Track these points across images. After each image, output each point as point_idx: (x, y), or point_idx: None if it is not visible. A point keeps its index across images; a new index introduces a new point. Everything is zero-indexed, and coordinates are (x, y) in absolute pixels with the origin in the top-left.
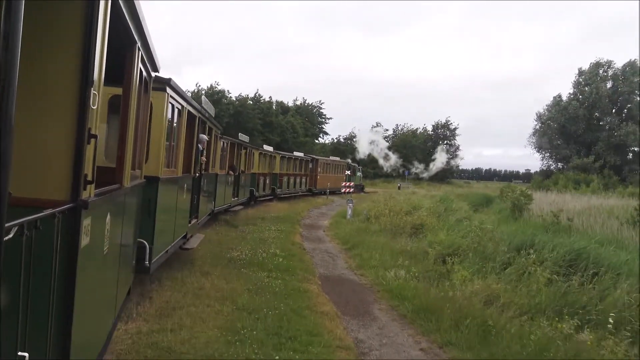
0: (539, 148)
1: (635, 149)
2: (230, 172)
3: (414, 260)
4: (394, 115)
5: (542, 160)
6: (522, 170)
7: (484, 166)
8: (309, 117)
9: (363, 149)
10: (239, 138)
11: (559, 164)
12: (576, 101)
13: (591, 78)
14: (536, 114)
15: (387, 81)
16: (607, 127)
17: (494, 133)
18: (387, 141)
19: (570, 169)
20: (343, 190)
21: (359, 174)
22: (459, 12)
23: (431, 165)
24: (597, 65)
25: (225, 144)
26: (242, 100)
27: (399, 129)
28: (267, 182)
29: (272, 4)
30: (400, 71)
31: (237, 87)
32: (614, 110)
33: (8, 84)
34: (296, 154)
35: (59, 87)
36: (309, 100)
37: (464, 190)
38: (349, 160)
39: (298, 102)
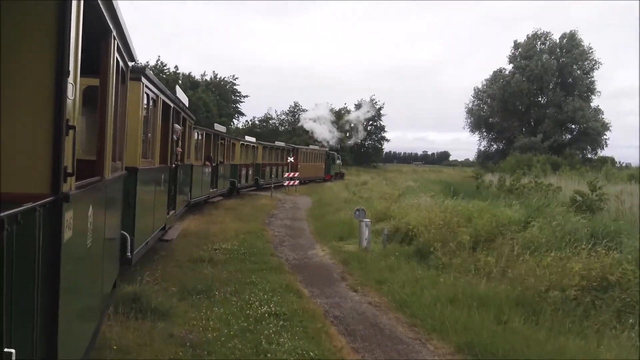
0: (475, 127)
1: (577, 126)
2: (207, 163)
3: None
4: (301, 100)
5: (480, 140)
6: (419, 152)
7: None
8: (222, 95)
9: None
10: (215, 128)
11: (498, 144)
12: (519, 74)
13: (529, 50)
14: (474, 90)
15: (290, 65)
16: (552, 103)
17: (390, 117)
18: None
19: (516, 149)
20: (286, 183)
21: (338, 161)
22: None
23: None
24: (534, 36)
25: (200, 135)
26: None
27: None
28: (250, 172)
29: None
30: (297, 56)
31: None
32: (550, 85)
33: None
34: (278, 143)
35: (34, 79)
36: (221, 75)
37: (413, 176)
38: (327, 149)
39: (207, 77)
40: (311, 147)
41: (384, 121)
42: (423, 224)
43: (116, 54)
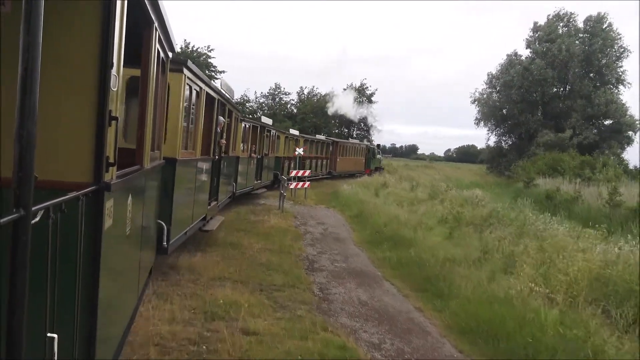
0: (485, 120)
1: (603, 121)
2: (253, 155)
3: None
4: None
5: (488, 134)
6: (387, 145)
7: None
8: None
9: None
10: (262, 121)
11: (512, 138)
12: (539, 60)
13: (551, 33)
14: (487, 75)
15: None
16: (578, 94)
17: None
18: (292, 107)
19: (540, 145)
20: (292, 185)
21: (378, 156)
22: None
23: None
24: (557, 17)
25: (247, 127)
26: None
27: (305, 93)
28: (292, 165)
29: None
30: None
31: None
32: (571, 74)
33: (31, 68)
34: (318, 137)
35: (79, 70)
36: (194, 44)
37: (437, 174)
38: (367, 142)
39: (178, 47)
40: (351, 140)
41: (375, 109)
42: None
43: (157, 45)
